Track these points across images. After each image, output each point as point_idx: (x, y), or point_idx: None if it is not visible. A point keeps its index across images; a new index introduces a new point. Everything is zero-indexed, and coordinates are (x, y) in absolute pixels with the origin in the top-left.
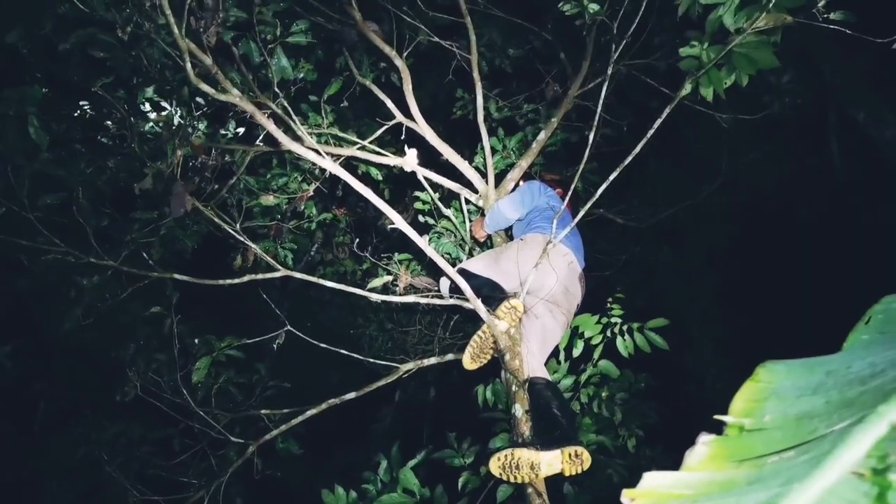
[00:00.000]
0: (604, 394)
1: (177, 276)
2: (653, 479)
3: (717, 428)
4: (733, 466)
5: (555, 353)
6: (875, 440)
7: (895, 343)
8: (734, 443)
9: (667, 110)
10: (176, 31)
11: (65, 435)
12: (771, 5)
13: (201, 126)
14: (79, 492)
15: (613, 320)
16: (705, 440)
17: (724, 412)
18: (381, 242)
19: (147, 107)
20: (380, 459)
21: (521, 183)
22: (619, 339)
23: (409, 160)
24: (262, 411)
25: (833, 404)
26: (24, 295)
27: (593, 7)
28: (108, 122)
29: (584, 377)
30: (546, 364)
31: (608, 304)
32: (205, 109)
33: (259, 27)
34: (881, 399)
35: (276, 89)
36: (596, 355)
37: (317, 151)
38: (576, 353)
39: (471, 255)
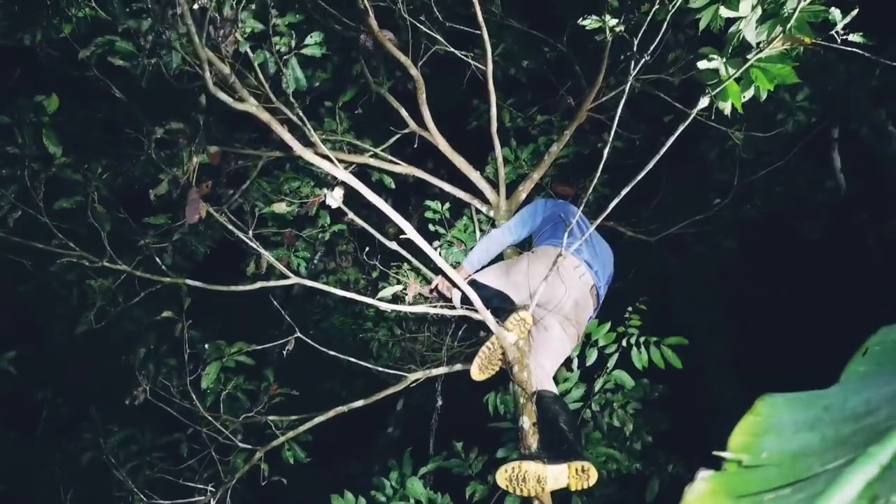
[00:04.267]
0: (615, 403)
1: (189, 281)
2: None
3: (716, 463)
4: (731, 502)
5: (566, 362)
6: (865, 482)
7: (890, 377)
8: (732, 479)
9: (682, 126)
10: (196, 39)
11: (69, 440)
12: (793, 19)
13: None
14: (85, 497)
15: (630, 331)
16: (704, 476)
17: (731, 427)
18: (389, 250)
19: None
20: (391, 466)
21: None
22: (634, 351)
23: (335, 196)
24: (270, 418)
25: (828, 441)
26: (29, 301)
27: (613, 22)
28: (126, 129)
29: (597, 386)
30: (555, 376)
31: (627, 314)
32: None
33: (274, 38)
34: (873, 439)
35: (292, 99)
36: (610, 364)
37: (329, 159)
38: (589, 362)
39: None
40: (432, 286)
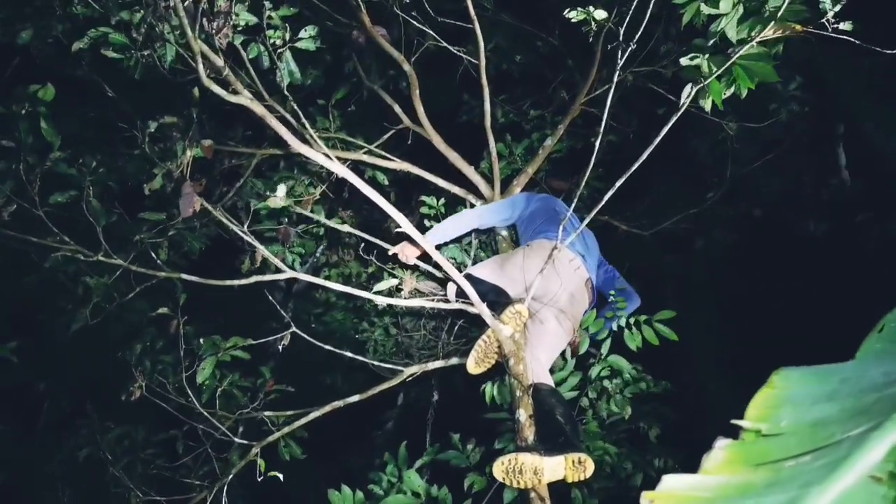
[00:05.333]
0: (611, 388)
1: (184, 276)
2: (671, 482)
3: (734, 433)
4: (750, 470)
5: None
6: (891, 445)
7: None
8: (751, 447)
9: (672, 120)
10: (190, 32)
11: (68, 435)
12: (777, 17)
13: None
14: (82, 492)
15: (619, 313)
16: (722, 444)
17: (723, 424)
18: (387, 244)
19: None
20: (386, 461)
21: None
22: (626, 333)
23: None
24: (266, 414)
25: (848, 411)
26: (31, 293)
27: (599, 14)
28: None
29: (593, 372)
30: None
31: (611, 296)
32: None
33: (268, 31)
34: None
35: (286, 92)
36: (604, 350)
37: (326, 155)
38: (582, 349)
39: (476, 260)
40: (391, 251)
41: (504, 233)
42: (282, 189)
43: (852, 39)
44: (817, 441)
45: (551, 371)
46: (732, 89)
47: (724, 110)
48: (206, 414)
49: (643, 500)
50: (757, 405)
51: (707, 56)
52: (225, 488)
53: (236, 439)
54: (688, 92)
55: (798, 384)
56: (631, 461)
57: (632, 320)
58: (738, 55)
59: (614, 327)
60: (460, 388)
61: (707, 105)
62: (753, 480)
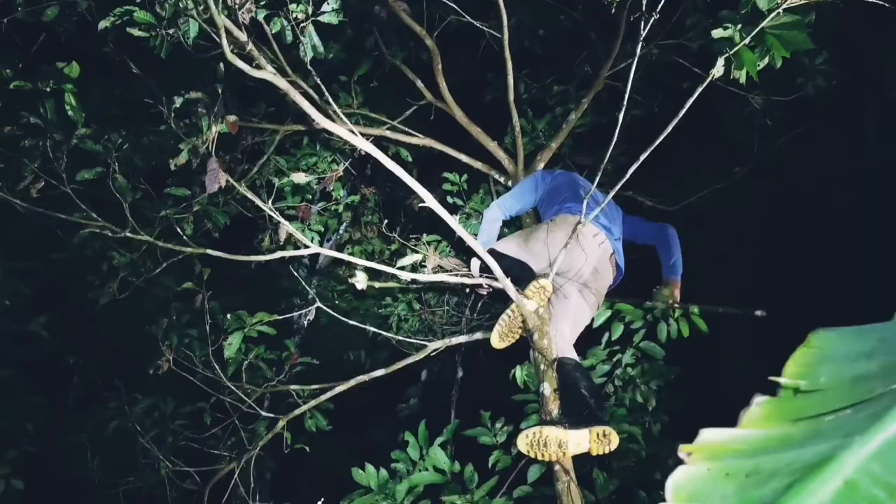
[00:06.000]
0: (638, 378)
1: (210, 251)
2: (709, 435)
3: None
4: (789, 424)
5: (589, 335)
6: None
7: None
8: (789, 403)
9: (697, 91)
10: (213, 6)
11: (98, 408)
12: None
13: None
14: (112, 463)
15: (658, 305)
16: (760, 401)
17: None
18: (409, 223)
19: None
20: (407, 439)
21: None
22: (660, 325)
23: (360, 279)
24: (292, 387)
25: (889, 367)
26: (59, 269)
27: None
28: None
29: (623, 358)
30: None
31: (655, 289)
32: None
33: (291, 5)
34: None
35: (309, 67)
36: (637, 338)
37: (350, 130)
38: (615, 336)
39: (500, 236)
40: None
41: None
42: (300, 177)
43: (884, 4)
44: (858, 396)
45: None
46: (766, 60)
47: (751, 85)
48: (232, 387)
49: (681, 453)
50: (795, 363)
51: (739, 27)
52: (253, 459)
53: (262, 412)
54: (719, 63)
55: (836, 343)
56: (654, 442)
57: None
58: (769, 21)
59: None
60: (484, 364)
61: (742, 76)
62: (792, 433)
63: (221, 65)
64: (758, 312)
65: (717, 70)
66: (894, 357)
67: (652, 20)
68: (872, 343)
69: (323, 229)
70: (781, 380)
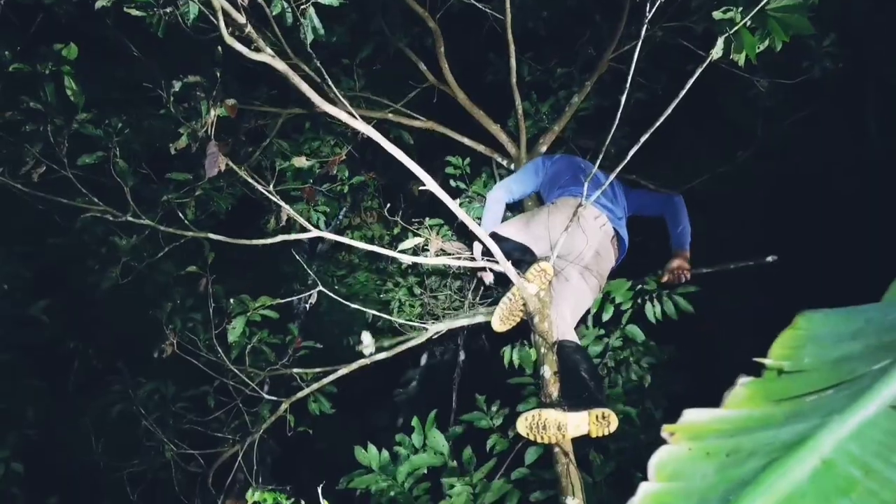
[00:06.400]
0: (630, 357)
1: (211, 235)
2: (691, 415)
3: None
4: (771, 405)
5: (583, 319)
6: None
7: None
8: (773, 384)
9: (697, 72)
10: None
11: (100, 392)
12: None
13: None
14: (116, 446)
15: (648, 287)
16: (744, 381)
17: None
18: (410, 207)
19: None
20: (413, 425)
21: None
22: (647, 306)
23: (366, 342)
24: (295, 370)
25: (872, 348)
26: (61, 253)
27: None
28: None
29: (611, 340)
30: (577, 328)
31: (646, 279)
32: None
33: None
34: None
35: (310, 50)
36: (624, 320)
37: (350, 114)
38: (605, 317)
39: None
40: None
41: None
42: (302, 161)
43: None
44: (840, 376)
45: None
46: (767, 43)
47: (755, 67)
48: (235, 370)
49: (664, 433)
50: (780, 345)
51: (740, 9)
52: (256, 442)
53: (265, 395)
54: (718, 44)
55: (822, 324)
56: (655, 426)
57: (655, 294)
58: (771, 3)
59: None
60: (486, 348)
61: (741, 59)
62: (774, 413)
63: (220, 48)
64: (769, 258)
65: (717, 51)
66: (878, 338)
67: (658, 3)
68: (858, 324)
69: (328, 210)
70: (766, 361)
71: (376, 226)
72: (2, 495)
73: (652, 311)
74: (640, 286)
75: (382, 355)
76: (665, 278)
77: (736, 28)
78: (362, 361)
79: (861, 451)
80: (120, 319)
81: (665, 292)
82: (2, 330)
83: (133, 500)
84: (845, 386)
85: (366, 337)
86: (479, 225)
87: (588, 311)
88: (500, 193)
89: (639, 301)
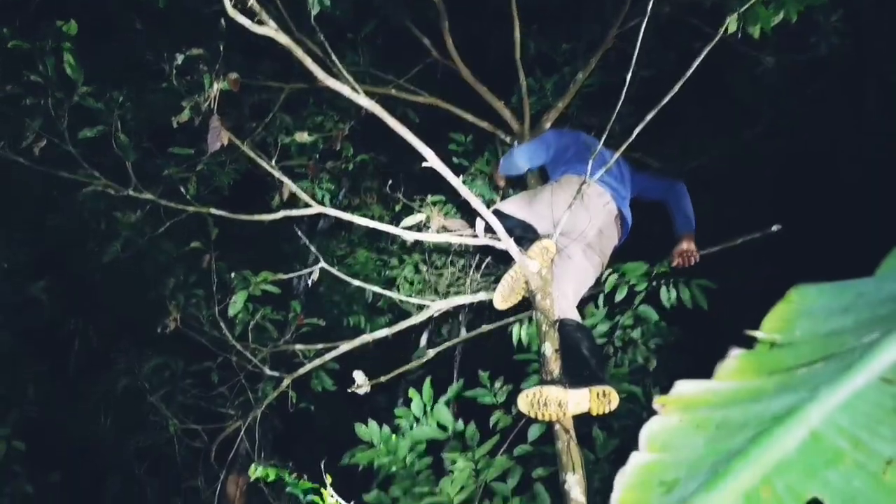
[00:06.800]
0: (640, 339)
1: (213, 210)
2: (683, 387)
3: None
4: (763, 377)
5: (593, 298)
6: None
7: None
8: (764, 356)
9: (708, 48)
10: None
11: (102, 370)
12: None
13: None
14: (122, 421)
15: (662, 270)
16: (735, 354)
17: None
18: (411, 185)
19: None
20: (411, 397)
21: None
22: (663, 290)
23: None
24: (297, 347)
25: (863, 321)
26: (61, 235)
27: None
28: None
29: (622, 320)
30: (584, 307)
31: (661, 264)
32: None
33: None
34: None
35: (314, 23)
36: (637, 300)
37: (353, 88)
38: (618, 297)
39: (504, 197)
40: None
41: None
42: (304, 136)
43: None
44: (831, 349)
45: (579, 310)
46: (781, 15)
47: (762, 45)
48: (238, 347)
49: (655, 405)
50: (773, 318)
51: None
52: (258, 418)
53: (268, 371)
54: (732, 19)
55: (815, 298)
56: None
57: (671, 279)
58: None
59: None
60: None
61: (756, 32)
62: (765, 386)
63: (223, 20)
64: (774, 227)
65: (731, 24)
66: (869, 312)
67: None
68: (850, 298)
69: (334, 187)
70: (757, 333)
71: (376, 206)
72: (4, 473)
73: (667, 296)
74: (655, 270)
75: (385, 332)
76: (675, 262)
77: (751, 3)
78: (365, 338)
79: (850, 423)
80: (120, 301)
81: (682, 279)
82: (1, 310)
83: (138, 474)
84: (835, 359)
85: (359, 376)
86: (505, 165)
87: (599, 290)
88: (523, 160)
89: (653, 283)
